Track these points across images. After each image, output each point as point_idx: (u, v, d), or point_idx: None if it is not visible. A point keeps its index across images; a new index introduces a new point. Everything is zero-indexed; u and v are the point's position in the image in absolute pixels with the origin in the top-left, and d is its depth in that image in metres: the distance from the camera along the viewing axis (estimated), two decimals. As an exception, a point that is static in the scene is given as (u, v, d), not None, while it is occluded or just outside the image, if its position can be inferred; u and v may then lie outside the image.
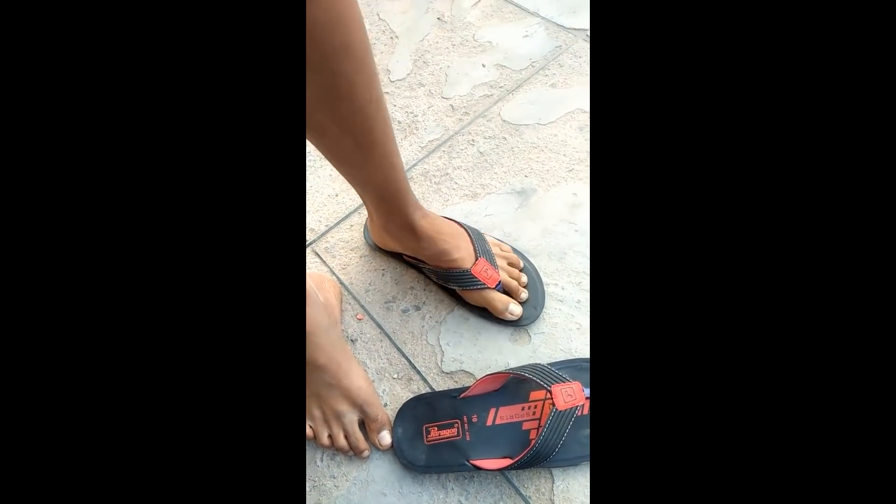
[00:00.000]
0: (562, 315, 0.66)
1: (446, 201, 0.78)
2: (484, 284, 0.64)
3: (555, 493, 0.56)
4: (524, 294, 0.66)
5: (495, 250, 0.68)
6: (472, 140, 0.84)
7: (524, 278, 0.68)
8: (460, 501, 0.56)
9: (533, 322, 0.66)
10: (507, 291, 0.66)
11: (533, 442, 0.54)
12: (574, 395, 0.56)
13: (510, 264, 0.68)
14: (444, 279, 0.67)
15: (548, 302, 0.67)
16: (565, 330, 0.65)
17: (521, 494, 0.56)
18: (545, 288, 0.68)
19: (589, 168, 0.78)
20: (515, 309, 0.64)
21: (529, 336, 0.65)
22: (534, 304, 0.67)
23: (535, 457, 0.54)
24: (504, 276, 0.66)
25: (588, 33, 0.94)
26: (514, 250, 0.71)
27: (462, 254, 0.65)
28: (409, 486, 0.58)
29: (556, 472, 0.57)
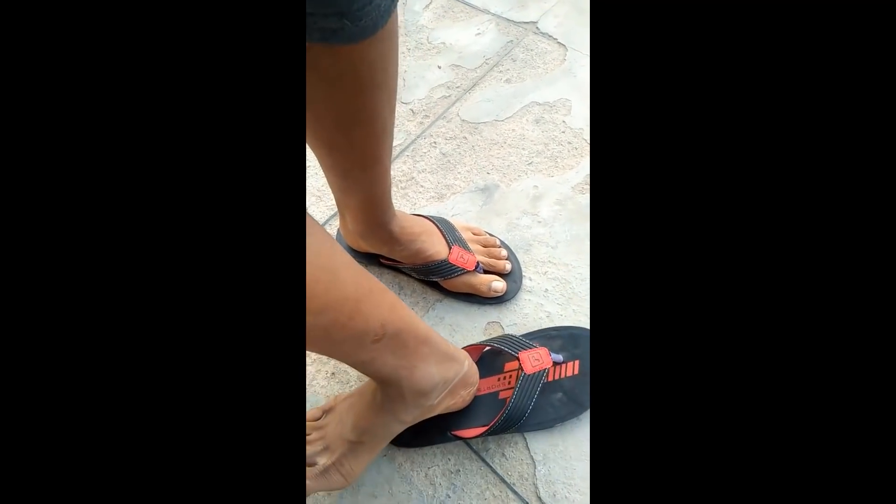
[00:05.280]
0: (531, 305, 0.68)
1: (414, 205, 0.80)
2: (463, 269, 0.67)
3: (537, 476, 0.58)
4: (508, 265, 0.69)
5: (466, 234, 0.71)
6: (435, 142, 0.86)
7: (503, 251, 0.70)
8: (448, 495, 0.59)
9: (515, 295, 0.69)
10: (490, 270, 0.69)
11: (505, 405, 0.57)
12: (541, 360, 0.59)
13: (484, 245, 0.71)
14: (424, 274, 0.69)
15: (517, 293, 0.69)
16: (535, 319, 0.67)
17: (505, 482, 0.58)
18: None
19: (549, 160, 0.80)
20: (498, 285, 0.67)
21: (502, 328, 0.67)
22: (513, 279, 0.69)
23: (509, 419, 0.57)
24: (481, 257, 0.69)
25: (538, 25, 0.95)
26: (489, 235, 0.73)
27: (437, 248, 0.67)
28: (399, 486, 0.60)
29: (537, 457, 0.59)
